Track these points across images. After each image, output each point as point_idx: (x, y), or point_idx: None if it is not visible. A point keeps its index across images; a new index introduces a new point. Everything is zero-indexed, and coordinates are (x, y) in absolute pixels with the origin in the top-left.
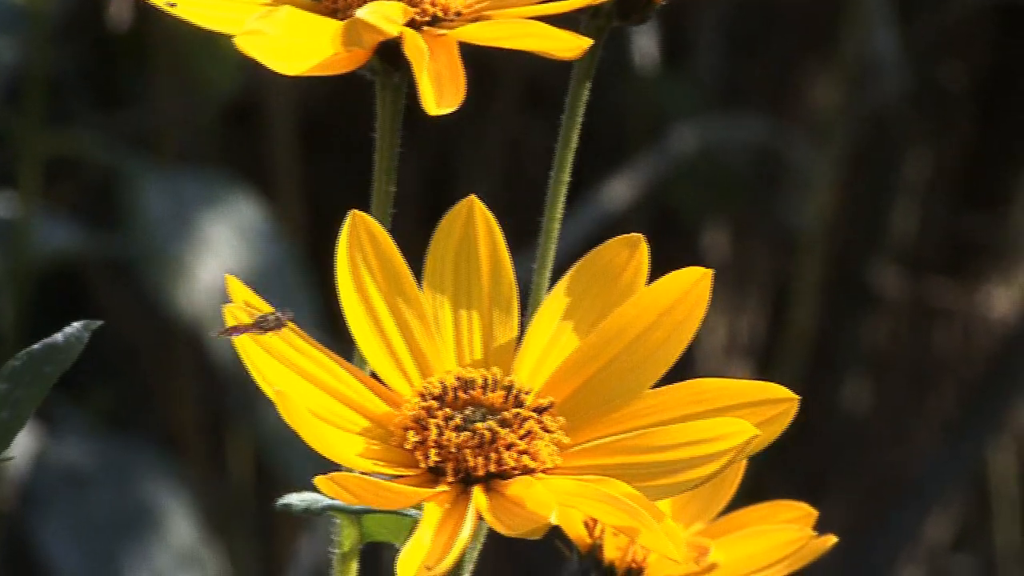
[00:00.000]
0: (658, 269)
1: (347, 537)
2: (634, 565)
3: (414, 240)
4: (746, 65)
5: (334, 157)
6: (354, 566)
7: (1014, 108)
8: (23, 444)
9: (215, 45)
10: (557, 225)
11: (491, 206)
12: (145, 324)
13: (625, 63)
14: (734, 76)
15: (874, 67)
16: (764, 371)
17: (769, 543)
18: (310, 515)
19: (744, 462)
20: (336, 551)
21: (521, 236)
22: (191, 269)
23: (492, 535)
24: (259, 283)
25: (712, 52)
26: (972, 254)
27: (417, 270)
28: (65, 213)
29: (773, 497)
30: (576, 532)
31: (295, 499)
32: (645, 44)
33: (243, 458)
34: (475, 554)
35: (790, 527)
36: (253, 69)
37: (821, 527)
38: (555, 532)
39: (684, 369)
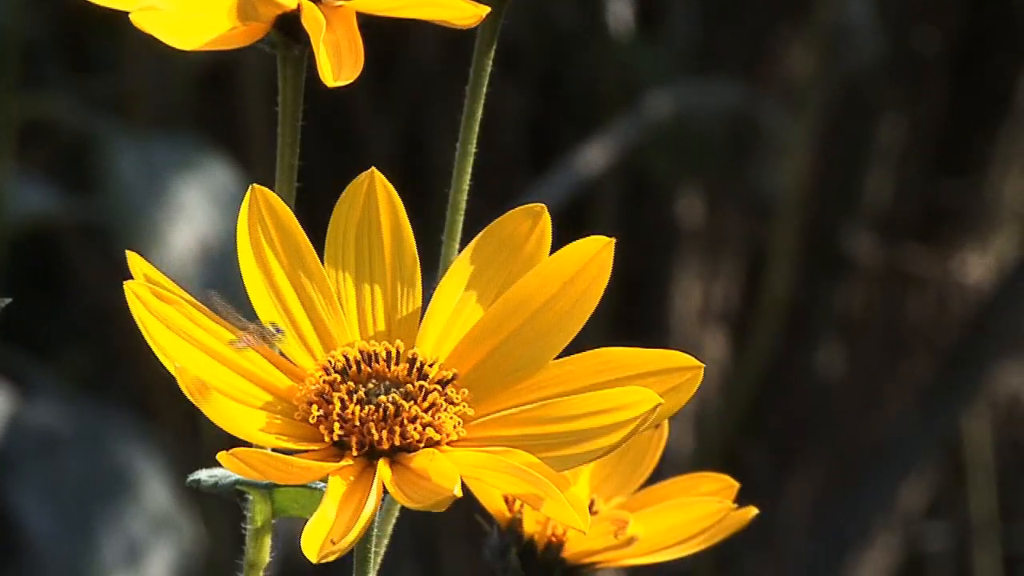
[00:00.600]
0: (632, 234)
1: (259, 513)
2: (554, 539)
3: None
4: (721, 31)
5: (307, 123)
6: (267, 541)
7: (988, 74)
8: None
9: None
10: (463, 197)
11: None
12: (118, 288)
13: (599, 28)
14: (708, 42)
15: (848, 33)
16: (739, 337)
17: (689, 515)
18: (219, 492)
19: (665, 434)
20: (248, 527)
21: (495, 199)
22: (164, 233)
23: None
24: (231, 247)
25: (686, 17)
26: (946, 220)
27: None
28: (38, 177)
29: (747, 462)
30: (496, 507)
31: (204, 475)
32: (619, 9)
33: (212, 431)
34: (389, 528)
35: (710, 499)
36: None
37: (795, 494)
38: (475, 507)
39: (657, 335)
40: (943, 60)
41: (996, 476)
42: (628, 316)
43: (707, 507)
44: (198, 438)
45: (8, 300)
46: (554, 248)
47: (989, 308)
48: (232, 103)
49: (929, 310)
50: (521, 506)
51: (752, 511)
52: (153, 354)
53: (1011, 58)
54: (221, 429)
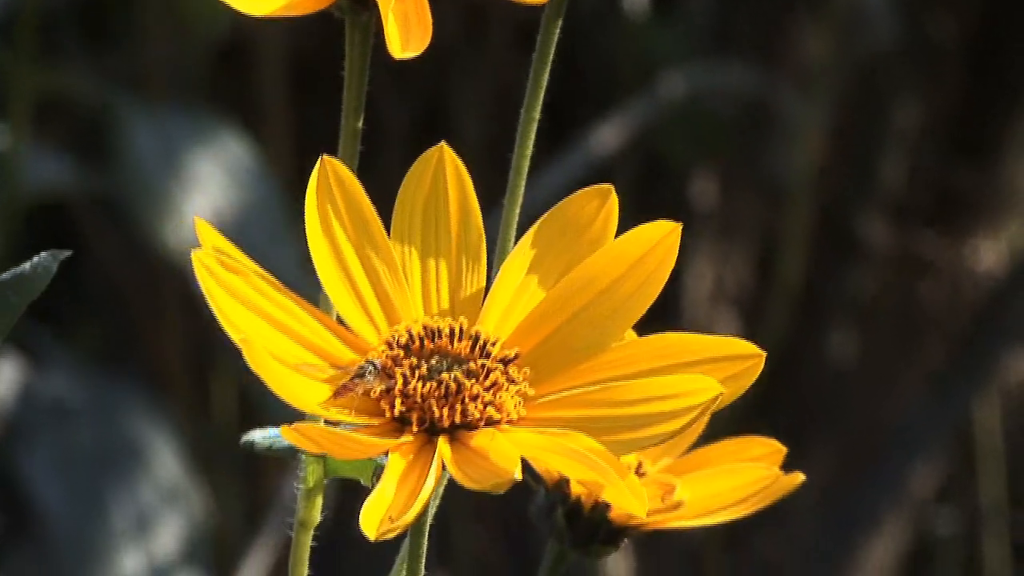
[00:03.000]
0: (645, 215)
1: (312, 473)
2: (600, 500)
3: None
4: (736, 13)
5: (322, 97)
6: (319, 501)
7: (1003, 60)
8: (8, 378)
9: None
10: (526, 163)
11: (481, 146)
12: (132, 261)
13: (615, 8)
14: (724, 23)
15: (863, 17)
16: (750, 321)
17: (737, 481)
18: (274, 453)
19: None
20: (301, 487)
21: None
22: (178, 206)
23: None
24: (245, 220)
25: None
26: (960, 206)
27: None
28: (54, 149)
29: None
30: (544, 466)
31: (258, 436)
32: None
33: (227, 395)
34: (434, 506)
35: (758, 465)
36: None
37: (806, 476)
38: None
39: (669, 318)
40: (958, 46)
41: (1006, 462)
42: None
43: (756, 472)
44: (208, 411)
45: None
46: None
47: (1001, 295)
48: (248, 78)
49: (941, 296)
50: None
51: (800, 476)
52: (165, 325)
53: None
54: (230, 403)
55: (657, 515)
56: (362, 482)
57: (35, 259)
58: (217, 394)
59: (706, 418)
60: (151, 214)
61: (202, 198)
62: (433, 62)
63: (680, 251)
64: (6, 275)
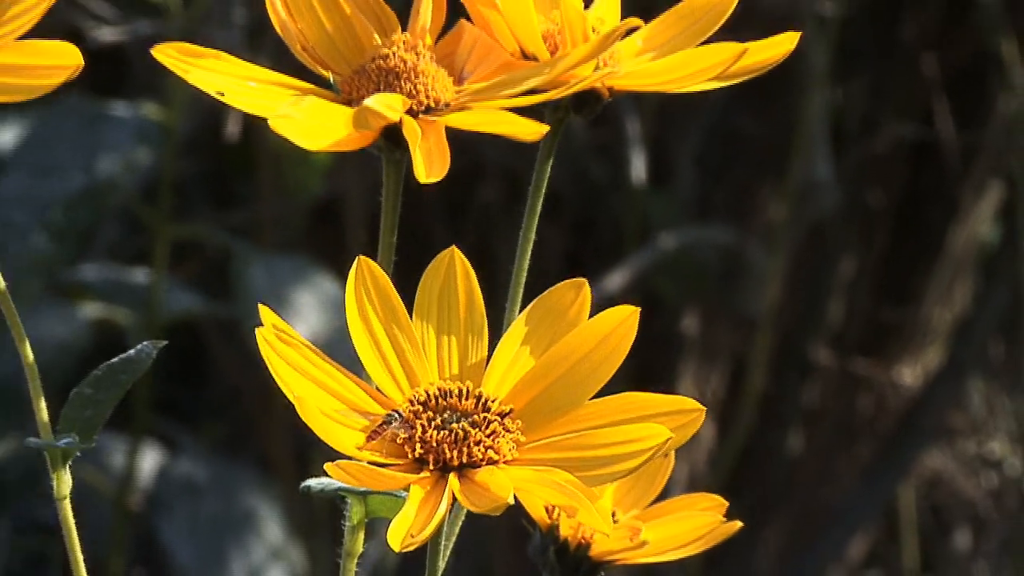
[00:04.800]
0: (644, 342)
1: (355, 513)
2: (583, 541)
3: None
4: (715, 185)
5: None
6: (361, 536)
7: (922, 223)
8: (150, 462)
9: (306, 155)
10: (524, 273)
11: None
12: (247, 371)
13: (622, 180)
14: (705, 193)
15: (814, 187)
16: (724, 422)
17: (689, 526)
18: (325, 495)
19: (672, 463)
20: (347, 524)
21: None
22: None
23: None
24: (335, 340)
25: (688, 174)
26: (888, 337)
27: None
28: (187, 284)
29: (727, 519)
30: (539, 515)
31: (314, 483)
32: (637, 166)
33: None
34: (456, 528)
35: (706, 514)
36: (334, 175)
37: (765, 548)
38: (523, 514)
39: None
40: (888, 211)
41: (920, 535)
42: None
43: (703, 519)
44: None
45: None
46: None
47: (918, 405)
48: (337, 231)
49: (872, 406)
50: (558, 515)
51: (737, 524)
52: (273, 421)
53: (942, 212)
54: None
55: (626, 552)
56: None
57: (139, 346)
58: (314, 475)
59: (668, 473)
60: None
61: (301, 324)
62: (480, 221)
63: (670, 367)
64: (116, 359)
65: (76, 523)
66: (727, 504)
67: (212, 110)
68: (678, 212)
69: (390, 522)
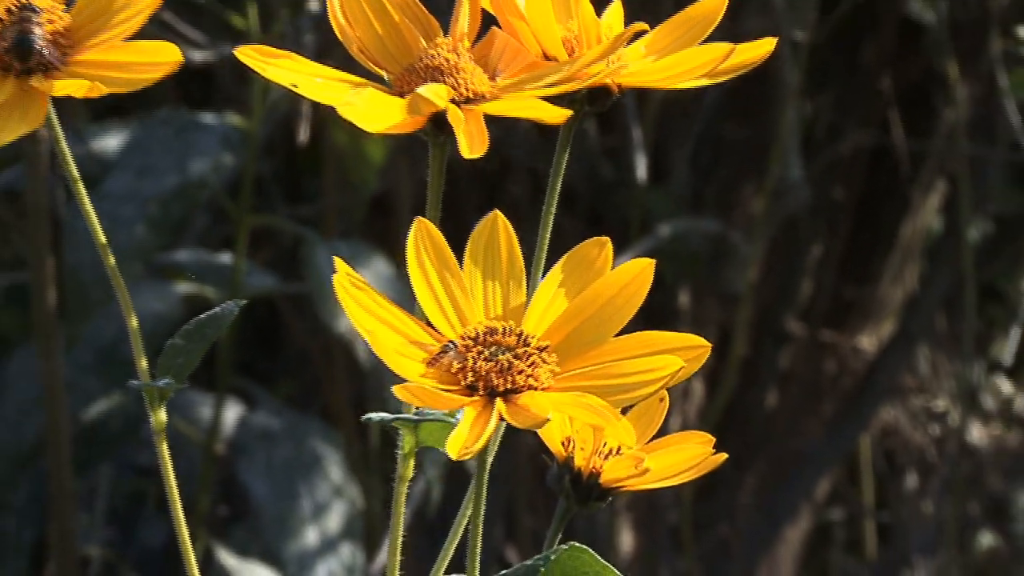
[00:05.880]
0: (646, 316)
1: (407, 442)
2: (594, 470)
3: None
4: (705, 183)
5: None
6: (411, 463)
7: (879, 217)
8: (233, 414)
9: (365, 155)
10: (546, 243)
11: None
12: (315, 337)
13: (626, 180)
14: (697, 190)
15: (788, 186)
16: (711, 383)
17: (683, 456)
18: (386, 426)
19: (667, 404)
20: (400, 451)
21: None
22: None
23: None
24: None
25: (683, 174)
26: (849, 311)
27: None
28: (264, 266)
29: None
30: (556, 448)
31: (374, 416)
32: (640, 166)
33: (375, 427)
34: (495, 445)
35: (697, 446)
36: (387, 173)
37: (745, 487)
38: (543, 448)
39: None
40: (850, 206)
41: (875, 478)
42: None
43: (695, 451)
44: (364, 437)
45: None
46: None
47: (874, 369)
48: (389, 220)
49: (836, 368)
50: (573, 448)
51: (723, 456)
52: (335, 381)
53: (896, 207)
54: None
55: (631, 479)
56: (440, 449)
57: (223, 304)
58: (369, 426)
59: (663, 416)
60: (328, 307)
61: None
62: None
63: None
64: (203, 316)
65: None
66: (714, 440)
67: (285, 119)
68: (674, 206)
69: (437, 452)
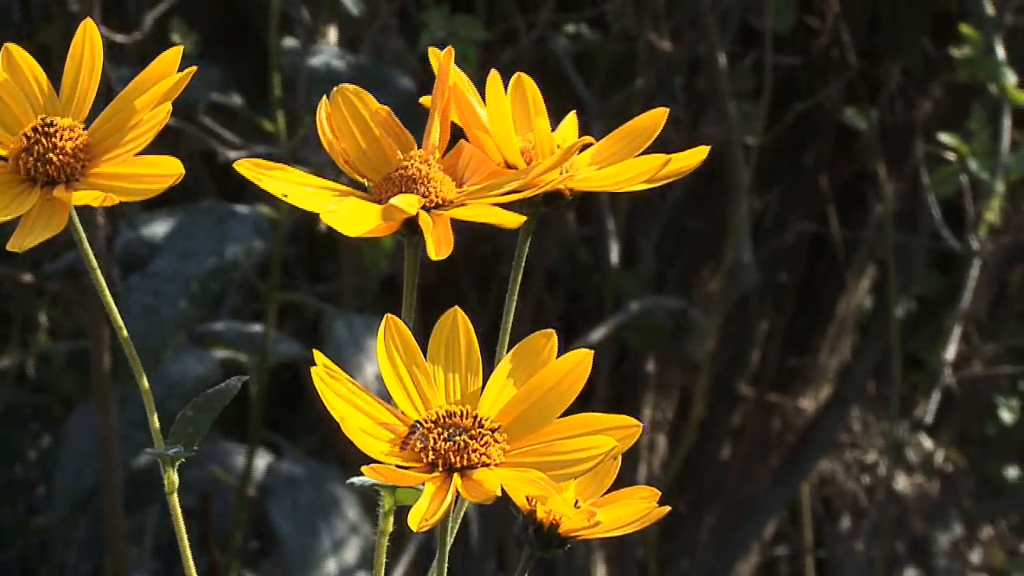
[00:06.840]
0: (617, 381)
1: (387, 502)
2: (554, 521)
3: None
4: (669, 266)
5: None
6: (391, 519)
7: (818, 296)
8: (263, 462)
9: (376, 242)
10: (509, 326)
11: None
12: None
13: (601, 264)
14: (662, 272)
15: (740, 269)
16: (672, 440)
17: (631, 509)
18: (365, 489)
19: (618, 463)
20: (380, 510)
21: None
22: (362, 368)
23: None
24: None
25: (650, 258)
26: (793, 378)
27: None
28: (289, 336)
29: (676, 509)
30: (521, 503)
31: (356, 480)
32: (612, 252)
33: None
34: (460, 515)
35: (643, 501)
36: (396, 257)
37: (703, 529)
38: (510, 503)
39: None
40: (793, 287)
41: (814, 520)
42: None
43: (641, 505)
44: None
45: (246, 378)
46: None
47: (814, 426)
48: (399, 297)
49: (781, 426)
50: (535, 503)
51: (667, 509)
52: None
53: (833, 287)
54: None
55: (586, 530)
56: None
57: (228, 380)
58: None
59: (614, 474)
60: (344, 371)
61: (372, 365)
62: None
63: (636, 398)
64: (211, 390)
65: (209, 509)
66: (659, 494)
67: (308, 211)
68: (642, 286)
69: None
